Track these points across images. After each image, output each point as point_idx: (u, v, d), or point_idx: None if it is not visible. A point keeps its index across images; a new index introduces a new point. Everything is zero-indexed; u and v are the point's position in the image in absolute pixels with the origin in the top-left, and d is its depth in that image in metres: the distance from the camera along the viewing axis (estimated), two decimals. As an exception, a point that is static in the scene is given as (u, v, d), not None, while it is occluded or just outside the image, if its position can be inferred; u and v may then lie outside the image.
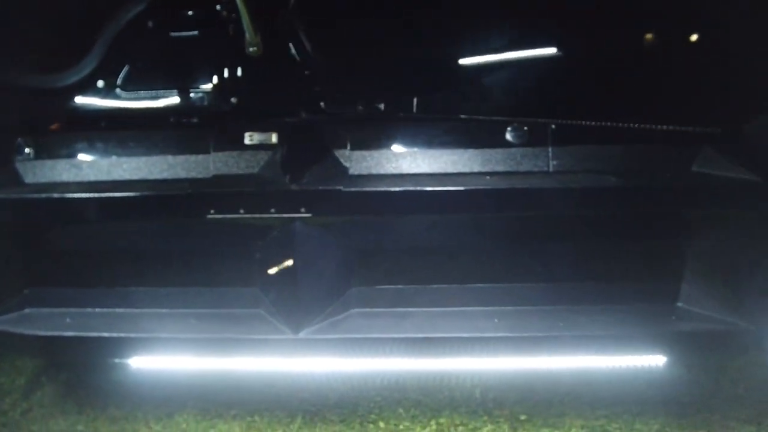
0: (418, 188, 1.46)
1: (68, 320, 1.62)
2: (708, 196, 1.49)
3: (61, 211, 1.60)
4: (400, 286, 1.60)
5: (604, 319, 1.53)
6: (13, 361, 1.98)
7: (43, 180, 1.66)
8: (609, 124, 1.54)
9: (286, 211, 1.46)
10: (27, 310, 1.68)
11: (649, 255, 1.59)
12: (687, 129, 1.53)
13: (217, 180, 1.55)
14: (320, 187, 1.46)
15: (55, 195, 1.56)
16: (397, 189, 1.46)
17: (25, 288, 1.68)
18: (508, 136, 1.56)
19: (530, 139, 1.56)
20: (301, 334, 1.49)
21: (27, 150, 1.66)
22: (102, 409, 1.78)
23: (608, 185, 1.48)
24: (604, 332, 1.52)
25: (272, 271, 1.55)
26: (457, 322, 1.54)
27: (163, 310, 1.62)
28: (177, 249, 1.66)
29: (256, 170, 1.55)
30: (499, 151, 1.56)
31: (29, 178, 1.66)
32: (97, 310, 1.64)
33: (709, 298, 1.52)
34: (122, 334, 1.55)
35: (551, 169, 1.56)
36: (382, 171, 1.57)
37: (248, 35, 1.42)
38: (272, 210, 1.46)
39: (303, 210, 1.45)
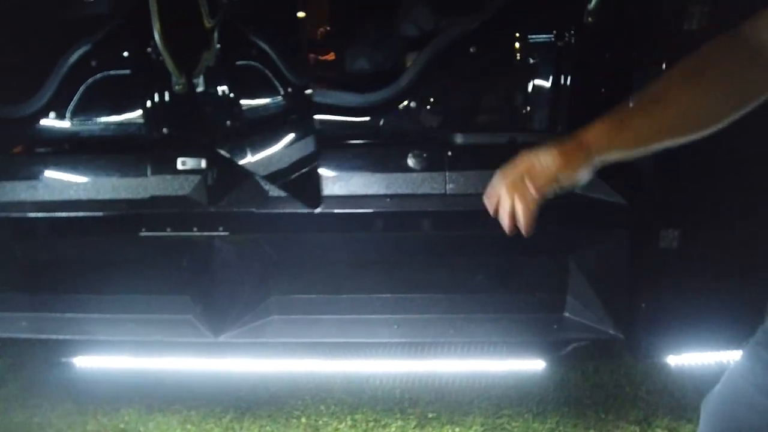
0: (326, 210, 1.65)
1: (24, 323, 1.84)
2: (586, 216, 1.66)
3: (19, 227, 1.82)
4: (312, 296, 1.79)
5: (494, 326, 1.71)
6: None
7: (3, 199, 1.88)
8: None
9: (206, 229, 1.66)
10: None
11: (538, 270, 1.76)
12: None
13: (150, 201, 1.75)
14: (235, 209, 1.66)
15: (14, 213, 1.78)
16: (307, 210, 1.65)
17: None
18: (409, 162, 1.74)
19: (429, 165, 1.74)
20: (221, 338, 1.69)
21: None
22: (57, 403, 1.99)
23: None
24: (493, 339, 1.70)
25: (198, 282, 1.75)
26: (363, 329, 1.72)
27: (107, 315, 1.82)
28: (119, 260, 1.87)
29: (185, 193, 1.75)
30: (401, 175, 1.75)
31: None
32: (48, 314, 1.85)
33: (588, 310, 1.69)
34: (68, 337, 1.76)
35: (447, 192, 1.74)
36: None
37: (174, 75, 1.62)
38: (194, 229, 1.66)
39: (221, 229, 1.65)
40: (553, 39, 1.59)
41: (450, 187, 1.74)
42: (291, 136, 1.74)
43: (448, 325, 1.70)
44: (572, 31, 1.56)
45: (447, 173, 1.74)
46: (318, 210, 1.64)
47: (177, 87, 1.66)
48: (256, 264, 1.76)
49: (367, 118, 1.76)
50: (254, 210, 1.64)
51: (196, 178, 1.72)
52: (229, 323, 1.71)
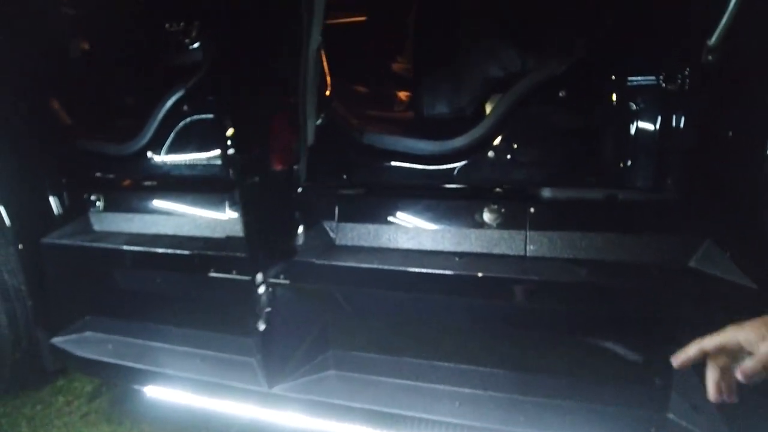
0: (391, 267, 1.53)
1: (110, 347, 1.97)
2: (704, 296, 1.34)
3: (110, 256, 1.96)
4: (372, 355, 1.66)
5: (574, 418, 1.44)
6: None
7: (106, 229, 2.05)
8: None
9: (268, 276, 1.62)
10: (87, 333, 2.08)
11: (637, 354, 1.46)
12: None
13: (222, 243, 1.78)
14: (297, 258, 1.60)
15: (110, 244, 1.93)
16: (370, 265, 1.55)
17: (86, 314, 2.08)
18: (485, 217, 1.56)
19: (507, 221, 1.55)
20: (275, 389, 1.63)
21: (98, 204, 2.07)
22: (137, 422, 2.09)
23: (588, 279, 1.41)
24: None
25: (261, 326, 1.72)
26: (421, 400, 1.55)
27: (178, 348, 1.89)
28: (195, 296, 1.92)
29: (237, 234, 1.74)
30: (474, 231, 1.57)
31: (97, 227, 2.07)
32: (128, 340, 1.96)
33: (700, 415, 1.35)
34: (140, 366, 1.84)
35: (528, 254, 1.53)
36: (362, 243, 1.67)
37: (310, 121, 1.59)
38: (257, 275, 1.64)
39: (282, 276, 1.61)
40: (660, 81, 1.32)
41: (531, 249, 1.53)
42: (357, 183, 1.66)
43: (518, 409, 1.46)
44: (686, 72, 1.28)
45: (528, 232, 1.53)
46: (376, 265, 1.53)
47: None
48: (316, 315, 1.68)
49: (442, 167, 1.62)
50: (314, 261, 1.57)
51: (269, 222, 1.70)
52: (285, 374, 1.65)
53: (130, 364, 1.86)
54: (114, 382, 2.24)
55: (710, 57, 1.22)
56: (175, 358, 1.86)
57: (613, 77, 1.39)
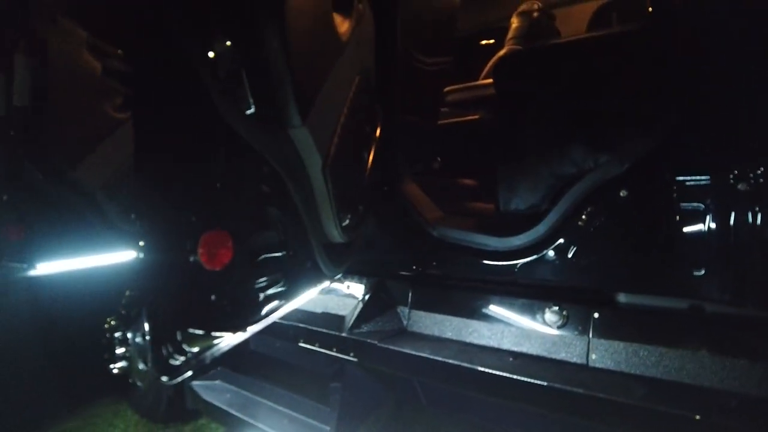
0: (447, 360, 1.57)
1: (228, 396, 2.32)
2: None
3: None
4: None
5: None
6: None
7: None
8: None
9: (341, 352, 1.79)
10: (217, 381, 2.48)
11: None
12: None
13: (313, 317, 2.01)
14: (362, 339, 1.75)
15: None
16: (427, 355, 1.61)
17: (218, 366, 2.50)
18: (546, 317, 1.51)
19: (569, 325, 1.47)
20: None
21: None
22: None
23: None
24: None
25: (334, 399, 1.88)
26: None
27: (275, 407, 2.14)
28: (296, 363, 2.18)
29: (342, 314, 1.95)
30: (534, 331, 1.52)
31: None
32: (243, 392, 2.29)
33: None
34: (240, 415, 2.12)
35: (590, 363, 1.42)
36: (432, 332, 1.74)
37: None
38: (333, 349, 1.82)
39: (351, 354, 1.76)
40: (732, 181, 1.18)
41: (593, 358, 1.42)
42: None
43: None
44: (759, 171, 1.13)
45: (591, 339, 1.44)
46: (431, 356, 1.58)
47: None
48: (379, 395, 1.78)
49: (504, 263, 1.63)
50: (376, 343, 1.69)
51: (355, 304, 1.89)
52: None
53: (235, 413, 2.16)
54: (222, 424, 2.59)
55: None
56: (270, 416, 2.10)
57: (679, 177, 1.29)
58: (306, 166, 1.07)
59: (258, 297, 1.00)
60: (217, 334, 0.96)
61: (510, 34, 3.17)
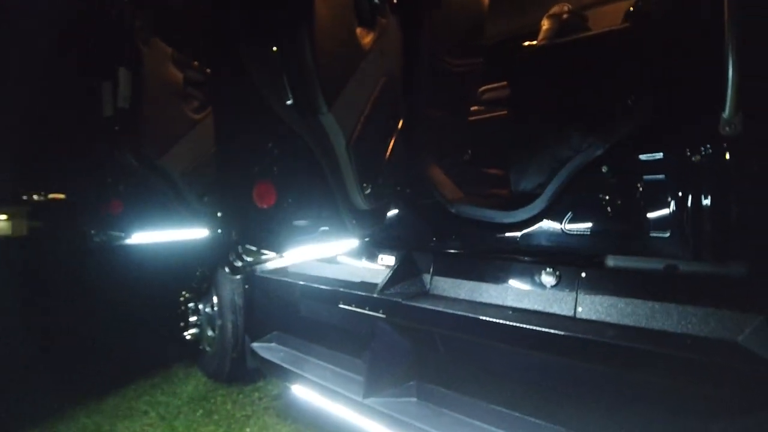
0: (460, 313, 1.86)
1: (281, 354, 2.72)
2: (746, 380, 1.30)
3: (293, 290, 2.75)
4: (449, 391, 1.96)
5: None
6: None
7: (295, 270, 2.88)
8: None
9: (372, 310, 2.13)
10: (273, 343, 2.89)
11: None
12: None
13: (349, 283, 2.36)
14: (390, 298, 2.07)
15: (292, 279, 2.73)
16: (444, 310, 1.91)
17: (274, 330, 2.90)
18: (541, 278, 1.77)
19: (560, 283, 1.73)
20: (367, 401, 2.07)
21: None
22: (295, 421, 2.76)
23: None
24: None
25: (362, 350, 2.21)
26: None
27: (320, 362, 2.50)
28: (336, 323, 2.53)
29: (375, 281, 2.28)
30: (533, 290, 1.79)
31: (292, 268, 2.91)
32: (294, 352, 2.67)
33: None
34: (293, 369, 2.50)
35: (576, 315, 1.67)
36: (449, 294, 2.04)
37: None
38: (366, 308, 2.16)
39: (381, 311, 2.09)
40: (688, 155, 1.40)
41: (579, 311, 1.67)
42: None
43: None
44: (708, 146, 1.35)
45: (578, 295, 1.69)
46: (440, 308, 1.88)
47: None
48: (403, 349, 2.09)
49: (509, 234, 1.90)
50: (400, 301, 2.01)
51: (388, 273, 2.22)
52: (377, 390, 2.07)
53: (288, 367, 2.54)
54: (277, 378, 2.98)
55: (728, 129, 1.30)
56: (315, 369, 2.47)
57: (645, 155, 1.52)
58: (333, 145, 1.41)
59: (293, 232, 1.36)
60: (264, 251, 1.32)
61: (540, 36, 3.39)
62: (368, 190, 1.59)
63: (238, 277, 2.82)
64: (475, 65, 2.98)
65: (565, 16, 3.44)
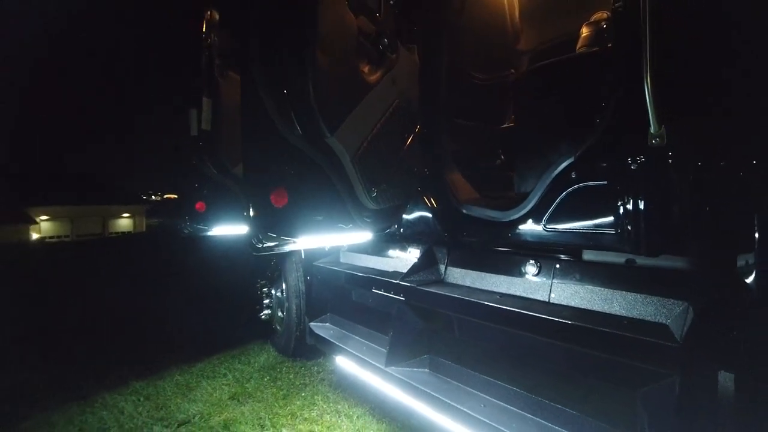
0: (463, 297, 2.21)
1: (331, 332, 3.21)
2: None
3: (345, 278, 3.22)
4: (455, 365, 2.31)
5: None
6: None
7: (348, 261, 3.36)
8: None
9: (395, 294, 2.53)
10: (327, 323, 3.39)
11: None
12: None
13: (385, 273, 2.78)
14: (408, 284, 2.45)
15: (346, 269, 3.21)
16: (445, 293, 2.27)
17: (328, 312, 3.41)
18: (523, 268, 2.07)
19: (540, 273, 2.01)
20: (388, 369, 2.47)
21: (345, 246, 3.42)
22: (347, 394, 3.24)
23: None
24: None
25: (388, 327, 2.62)
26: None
27: (360, 339, 2.95)
28: (373, 306, 2.97)
29: (402, 270, 2.68)
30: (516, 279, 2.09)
31: (343, 259, 3.40)
32: (343, 331, 3.15)
33: None
34: (339, 344, 2.98)
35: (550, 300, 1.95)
36: (457, 281, 2.38)
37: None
38: (391, 292, 2.57)
39: (401, 295, 2.49)
40: (629, 163, 1.63)
41: (552, 297, 1.95)
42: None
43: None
44: (641, 155, 1.58)
45: (552, 283, 1.96)
46: (444, 292, 2.23)
47: None
48: (421, 326, 2.47)
49: (504, 230, 2.21)
50: (416, 286, 2.39)
51: (413, 263, 2.61)
52: (397, 361, 2.48)
53: (335, 342, 3.03)
54: (327, 352, 3.47)
55: (654, 141, 1.53)
56: (354, 343, 2.92)
57: (601, 161, 1.77)
58: (340, 159, 1.84)
59: (303, 225, 1.81)
60: (282, 237, 1.79)
61: (579, 44, 3.56)
62: (374, 194, 2.00)
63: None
64: (505, 77, 3.26)
65: (603, 23, 3.58)
